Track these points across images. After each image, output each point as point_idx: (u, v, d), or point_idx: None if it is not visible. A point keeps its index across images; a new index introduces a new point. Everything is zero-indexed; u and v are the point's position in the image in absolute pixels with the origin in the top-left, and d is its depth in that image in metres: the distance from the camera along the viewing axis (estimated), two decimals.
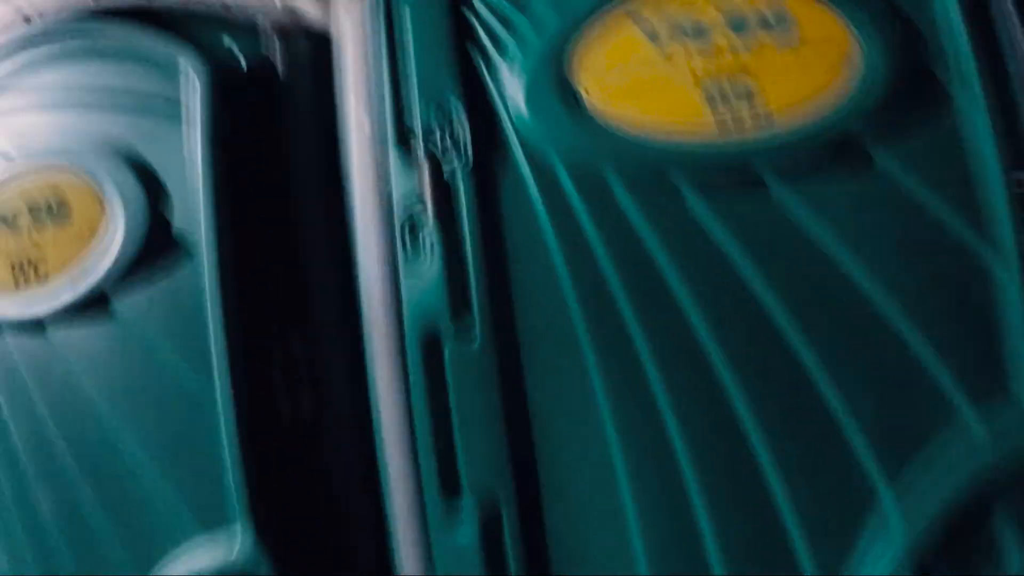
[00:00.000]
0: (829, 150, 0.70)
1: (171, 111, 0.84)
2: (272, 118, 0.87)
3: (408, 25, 0.78)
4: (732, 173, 0.71)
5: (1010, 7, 0.74)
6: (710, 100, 0.72)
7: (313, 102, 0.86)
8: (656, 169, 0.72)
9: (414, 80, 0.77)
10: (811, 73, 0.71)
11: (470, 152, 0.75)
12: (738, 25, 0.73)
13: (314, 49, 0.88)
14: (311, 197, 0.85)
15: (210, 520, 0.79)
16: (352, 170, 0.81)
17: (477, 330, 0.73)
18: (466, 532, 0.73)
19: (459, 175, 0.75)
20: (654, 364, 0.70)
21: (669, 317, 0.70)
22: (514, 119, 0.76)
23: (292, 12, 0.88)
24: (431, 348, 0.75)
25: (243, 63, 0.88)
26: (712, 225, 0.71)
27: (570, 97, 0.74)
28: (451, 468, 0.74)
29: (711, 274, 0.70)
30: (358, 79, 0.81)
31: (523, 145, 0.75)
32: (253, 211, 0.84)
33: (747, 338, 0.69)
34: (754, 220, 0.71)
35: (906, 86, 0.71)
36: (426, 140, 0.76)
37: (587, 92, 0.74)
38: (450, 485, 0.74)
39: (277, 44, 0.87)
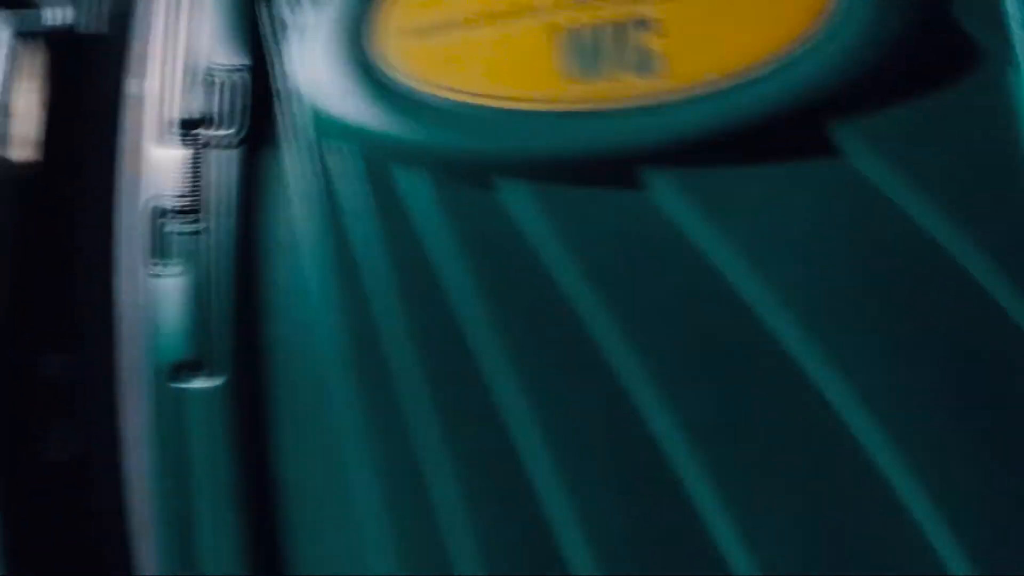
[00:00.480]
0: (758, 133, 0.47)
1: None
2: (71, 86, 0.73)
3: None
4: (587, 167, 0.49)
5: None
6: (569, 64, 0.49)
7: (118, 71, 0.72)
8: (472, 158, 0.51)
9: (185, 48, 0.60)
10: (747, 26, 0.47)
11: (241, 135, 0.57)
12: None
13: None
14: (89, 190, 0.68)
15: None
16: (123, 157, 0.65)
17: (227, 359, 0.55)
18: None
19: (223, 163, 0.57)
20: (433, 428, 0.50)
21: (463, 366, 0.49)
22: (300, 98, 0.57)
23: None
24: (173, 379, 0.57)
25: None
26: (546, 242, 0.49)
27: (368, 67, 0.54)
28: (188, 547, 0.56)
29: (536, 311, 0.49)
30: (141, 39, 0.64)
31: (300, 128, 0.56)
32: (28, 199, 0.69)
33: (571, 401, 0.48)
34: (616, 234, 0.49)
35: (908, 40, 0.46)
36: (191, 121, 0.59)
37: (392, 60, 0.54)
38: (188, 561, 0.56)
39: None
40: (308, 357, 0.55)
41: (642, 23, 0.48)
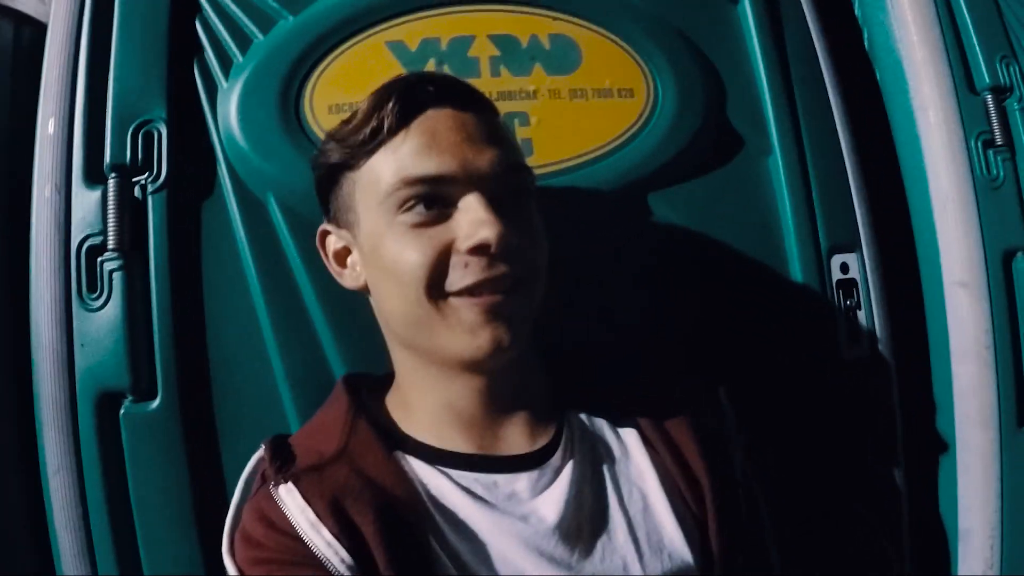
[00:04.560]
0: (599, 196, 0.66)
1: None
2: None
3: (120, 28, 0.65)
4: None
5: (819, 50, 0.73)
6: None
7: (8, 98, 0.71)
8: None
9: (115, 90, 0.65)
10: (593, 120, 0.66)
11: (165, 174, 0.63)
12: (514, 60, 0.67)
13: (27, 39, 0.75)
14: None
15: None
16: (35, 187, 0.66)
17: (160, 386, 0.61)
18: None
19: (151, 200, 0.63)
20: None
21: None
22: (226, 145, 0.65)
23: None
24: (107, 409, 0.61)
25: None
26: None
27: (295, 127, 0.65)
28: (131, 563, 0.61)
29: None
30: (56, 77, 0.66)
31: (232, 175, 0.65)
32: None
33: None
34: None
35: (697, 135, 0.67)
36: (118, 157, 0.64)
37: (318, 123, 0.64)
38: None
39: None
40: (249, 378, 0.62)
41: (520, 116, 0.66)
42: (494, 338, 0.48)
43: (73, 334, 0.63)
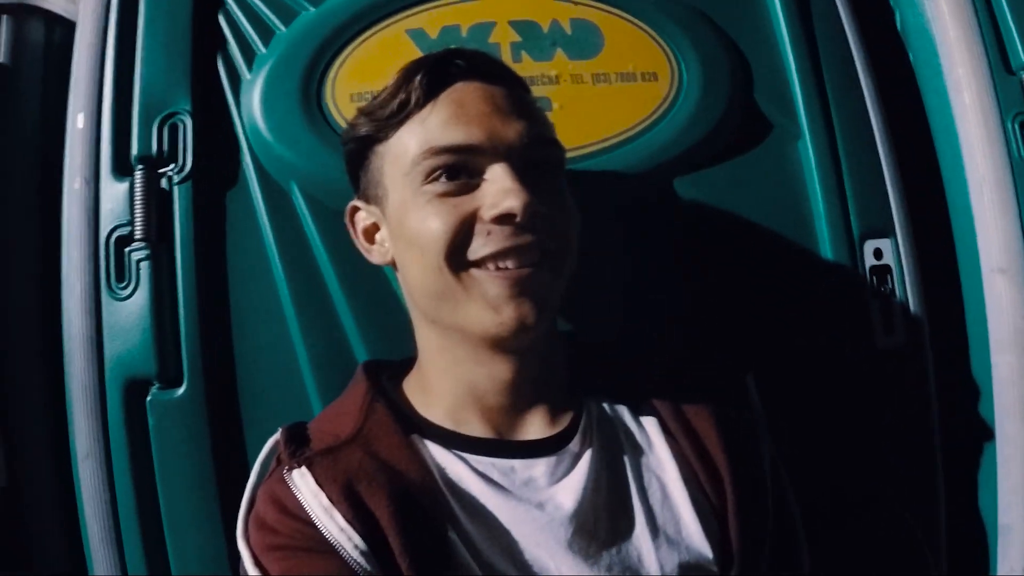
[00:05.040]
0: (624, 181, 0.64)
1: None
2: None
3: (146, 25, 0.67)
4: None
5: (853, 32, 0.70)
6: None
7: (40, 94, 0.73)
8: None
9: (141, 85, 0.66)
10: (616, 104, 0.65)
11: (190, 165, 0.64)
12: (535, 45, 0.67)
13: (58, 37, 0.77)
14: (20, 209, 0.70)
15: None
16: (65, 180, 0.68)
17: (185, 374, 0.61)
18: None
19: (177, 190, 0.64)
20: None
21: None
22: (250, 136, 0.66)
23: None
24: (134, 396, 0.62)
25: None
26: None
27: (317, 116, 0.65)
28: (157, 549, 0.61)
29: None
30: (85, 74, 0.67)
31: (256, 164, 0.65)
32: None
33: None
34: None
35: (723, 119, 0.65)
36: (144, 149, 0.65)
37: (340, 112, 0.65)
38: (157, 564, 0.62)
39: (5, 26, 0.74)
40: (274, 366, 0.62)
41: (542, 102, 0.65)
42: (519, 315, 0.47)
43: (102, 323, 0.64)
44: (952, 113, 0.73)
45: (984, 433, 0.71)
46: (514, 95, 0.51)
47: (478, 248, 0.47)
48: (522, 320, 0.47)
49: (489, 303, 0.47)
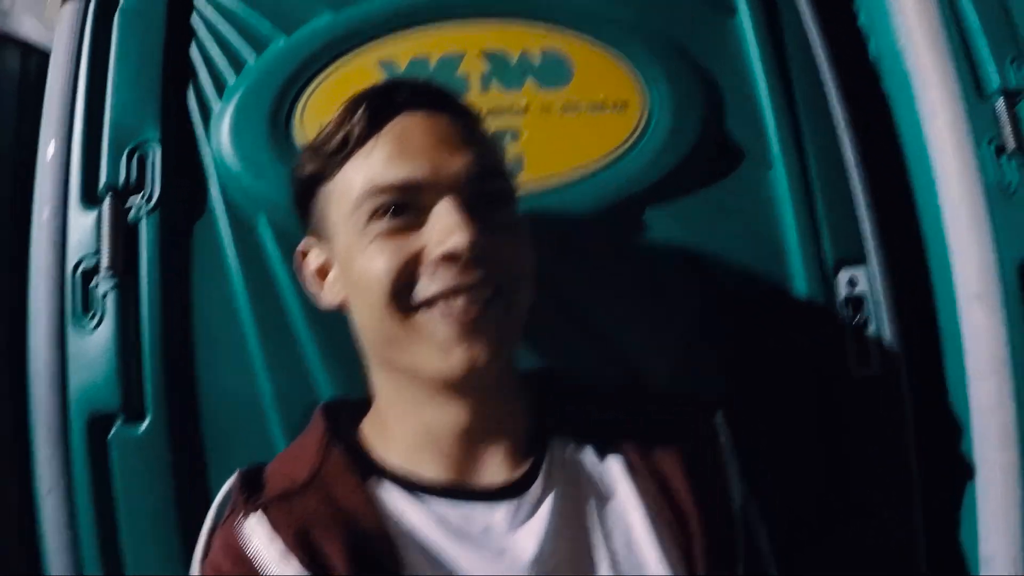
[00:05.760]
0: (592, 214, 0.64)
1: None
2: None
3: (117, 54, 0.67)
4: None
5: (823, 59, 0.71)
6: None
7: (14, 123, 0.73)
8: None
9: (111, 114, 0.66)
10: (586, 134, 0.65)
11: (157, 195, 0.64)
12: (505, 75, 0.67)
13: (33, 67, 0.77)
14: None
15: None
16: (35, 210, 0.68)
17: (149, 407, 0.60)
18: None
19: (144, 221, 0.64)
20: None
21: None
22: (218, 166, 0.66)
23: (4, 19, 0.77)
24: (98, 430, 0.61)
25: None
26: None
27: (286, 148, 0.65)
28: None
29: None
30: (57, 103, 0.67)
31: (224, 196, 0.65)
32: None
33: None
34: None
35: (695, 148, 0.65)
36: (113, 179, 0.64)
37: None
38: None
39: None
40: (238, 400, 0.61)
41: (511, 132, 0.66)
42: (469, 356, 0.45)
43: (67, 355, 0.63)
44: (926, 139, 0.73)
45: (963, 462, 0.70)
46: (461, 125, 0.50)
47: (425, 288, 0.46)
48: (473, 361, 0.45)
49: (439, 345, 0.46)
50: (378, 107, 0.48)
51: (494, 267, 0.46)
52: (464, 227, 0.44)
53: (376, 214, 0.47)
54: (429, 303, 0.46)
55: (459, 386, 0.48)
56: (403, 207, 0.47)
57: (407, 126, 0.48)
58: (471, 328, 0.45)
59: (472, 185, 0.47)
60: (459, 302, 0.45)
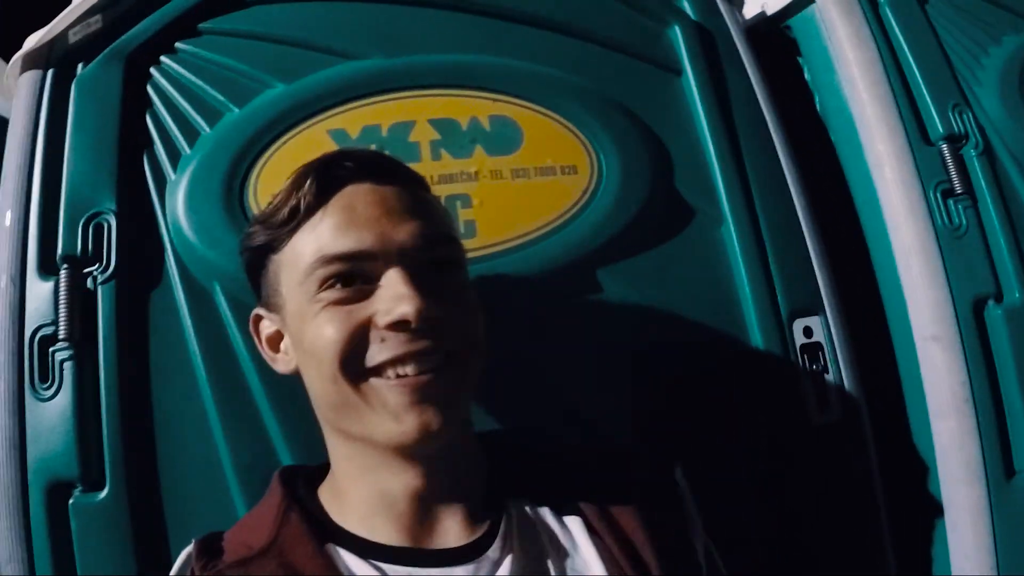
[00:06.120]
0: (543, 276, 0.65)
1: None
2: None
3: (74, 124, 0.68)
4: None
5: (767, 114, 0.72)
6: None
7: None
8: None
9: (67, 184, 0.66)
10: (537, 198, 0.66)
11: (114, 265, 0.64)
12: (454, 143, 0.68)
13: None
14: None
15: None
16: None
17: (108, 476, 0.61)
18: None
19: (101, 290, 0.64)
20: None
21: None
22: (173, 236, 0.67)
23: None
24: (57, 499, 0.61)
25: None
26: None
27: (240, 217, 0.67)
28: None
29: None
30: (14, 172, 0.68)
31: (180, 265, 0.66)
32: None
33: None
34: None
35: (646, 208, 0.67)
36: (70, 248, 0.65)
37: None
38: None
39: None
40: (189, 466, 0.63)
41: (462, 199, 0.68)
42: (422, 423, 0.46)
43: (26, 424, 0.63)
44: (875, 187, 0.75)
45: (931, 502, 0.72)
46: (408, 193, 0.51)
47: (374, 355, 0.47)
48: (425, 428, 0.46)
49: (390, 412, 0.47)
50: (325, 178, 0.50)
51: (443, 333, 0.48)
52: (411, 296, 0.46)
53: (326, 283, 0.49)
54: (379, 370, 0.47)
55: (412, 452, 0.49)
56: (352, 276, 0.48)
57: (354, 197, 0.49)
58: (422, 395, 0.46)
59: (419, 253, 0.49)
60: (409, 369, 0.47)
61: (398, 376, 0.47)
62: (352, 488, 0.52)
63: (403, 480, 0.50)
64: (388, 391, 0.46)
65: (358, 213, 0.48)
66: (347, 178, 0.50)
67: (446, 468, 0.51)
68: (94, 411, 0.63)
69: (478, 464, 0.55)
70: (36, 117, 0.70)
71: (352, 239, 0.47)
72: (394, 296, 0.46)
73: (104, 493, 0.62)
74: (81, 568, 0.61)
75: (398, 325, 0.46)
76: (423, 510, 0.51)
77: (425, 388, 0.46)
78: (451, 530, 0.51)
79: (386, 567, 0.49)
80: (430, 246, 0.49)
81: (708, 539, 0.56)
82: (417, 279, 0.47)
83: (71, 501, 0.62)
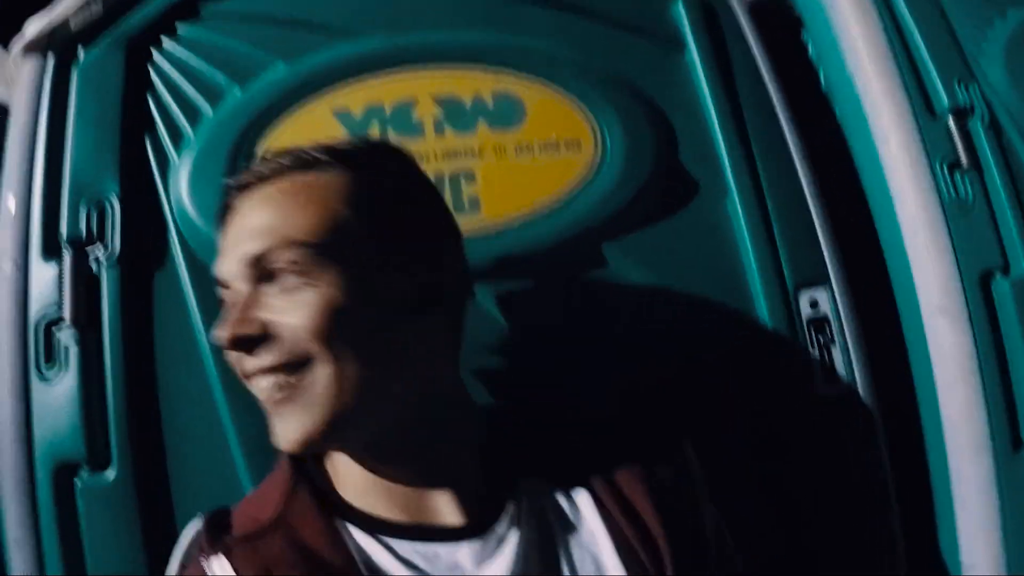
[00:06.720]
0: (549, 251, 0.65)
1: None
2: None
3: (76, 107, 0.68)
4: None
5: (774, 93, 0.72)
6: None
7: None
8: None
9: (70, 167, 0.67)
10: (541, 174, 0.66)
11: (118, 248, 0.65)
12: (458, 119, 0.68)
13: None
14: None
15: None
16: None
17: (114, 457, 0.62)
18: None
19: (105, 273, 0.65)
20: None
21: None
22: (177, 218, 0.67)
23: None
24: (64, 480, 0.62)
25: None
26: None
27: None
28: None
29: None
30: (16, 156, 0.68)
31: (184, 247, 0.66)
32: None
33: None
34: None
35: (650, 181, 0.67)
36: (73, 232, 0.66)
37: None
38: None
39: None
40: (204, 448, 0.62)
41: (466, 175, 0.67)
42: (285, 432, 0.47)
43: (31, 406, 0.64)
44: (881, 162, 0.75)
45: (938, 475, 0.72)
46: (271, 198, 0.49)
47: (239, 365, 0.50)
48: (290, 437, 0.46)
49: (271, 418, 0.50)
50: (224, 203, 0.51)
51: (274, 345, 0.46)
52: (232, 321, 0.46)
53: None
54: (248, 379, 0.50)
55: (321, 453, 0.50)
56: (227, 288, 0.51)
57: (232, 219, 0.50)
58: (280, 407, 0.47)
59: (258, 266, 0.47)
60: (262, 383, 0.47)
61: (260, 387, 0.48)
62: (345, 468, 0.53)
63: (380, 467, 0.50)
64: (263, 399, 0.49)
65: (227, 239, 0.50)
66: (234, 199, 0.50)
67: (424, 456, 0.50)
68: (99, 392, 0.63)
69: (473, 443, 0.53)
70: (38, 102, 0.70)
71: (218, 265, 0.50)
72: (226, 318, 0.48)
73: (111, 473, 0.62)
74: (89, 548, 0.62)
75: (232, 345, 0.46)
76: (417, 492, 0.51)
77: (281, 400, 0.46)
78: (454, 507, 0.51)
79: (393, 543, 0.49)
80: (269, 256, 0.46)
81: (717, 513, 0.56)
82: (250, 298, 0.47)
83: (78, 482, 0.62)
